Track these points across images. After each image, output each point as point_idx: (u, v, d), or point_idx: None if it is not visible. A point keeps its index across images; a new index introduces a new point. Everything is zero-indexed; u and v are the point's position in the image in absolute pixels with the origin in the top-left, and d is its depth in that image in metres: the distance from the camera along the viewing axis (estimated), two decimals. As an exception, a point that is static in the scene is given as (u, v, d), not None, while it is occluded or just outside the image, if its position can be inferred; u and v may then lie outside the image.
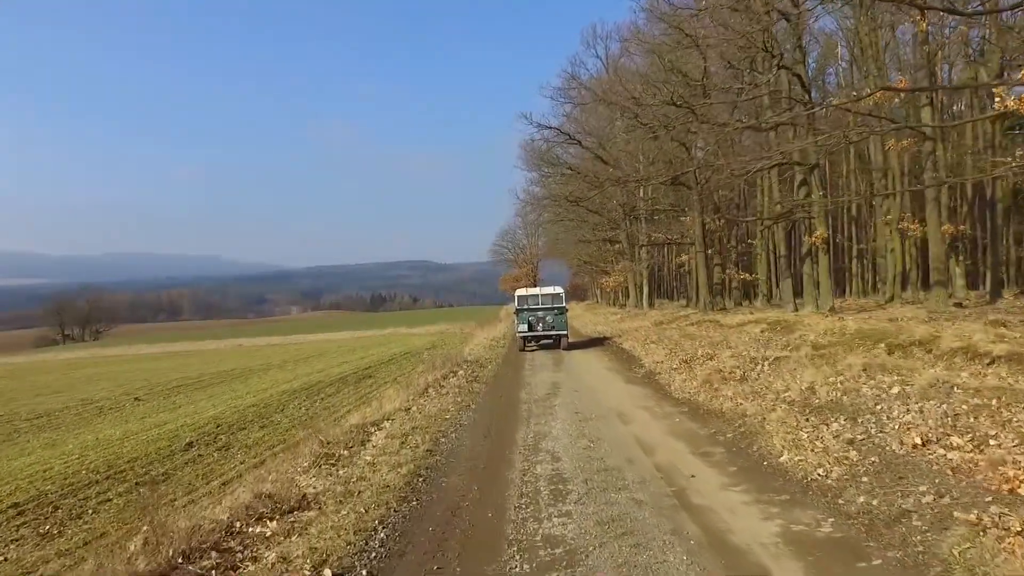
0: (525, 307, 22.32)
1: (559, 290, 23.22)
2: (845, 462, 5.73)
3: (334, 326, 71.76)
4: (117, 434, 12.72)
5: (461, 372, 14.93)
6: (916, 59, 18.35)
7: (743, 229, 39.22)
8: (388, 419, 9.35)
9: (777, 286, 32.29)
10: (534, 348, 22.62)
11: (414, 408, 10.21)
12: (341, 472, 6.37)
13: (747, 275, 29.60)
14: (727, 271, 32.74)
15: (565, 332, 21.86)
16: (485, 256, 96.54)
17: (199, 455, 10.51)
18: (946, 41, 19.44)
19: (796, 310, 22.76)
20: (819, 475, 5.58)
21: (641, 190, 35.97)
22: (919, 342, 10.79)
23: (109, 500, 8.33)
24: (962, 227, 25.84)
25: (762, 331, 18.53)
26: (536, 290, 23.24)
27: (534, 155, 41.74)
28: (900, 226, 20.10)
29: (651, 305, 41.55)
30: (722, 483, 5.84)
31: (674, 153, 28.30)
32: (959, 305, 18.57)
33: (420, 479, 6.24)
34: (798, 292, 22.60)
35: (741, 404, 8.89)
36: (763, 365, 11.46)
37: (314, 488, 5.78)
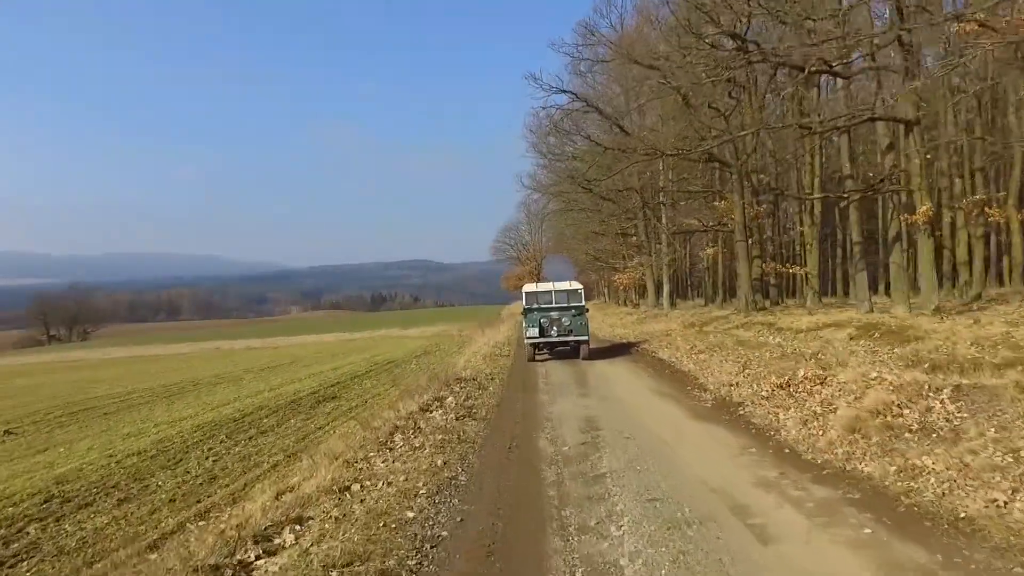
0: (535, 306, 17.88)
1: (577, 285, 18.79)
2: None
3: (327, 327, 67.35)
4: None
5: (451, 399, 10.48)
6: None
7: (778, 217, 34.80)
8: (298, 522, 4.90)
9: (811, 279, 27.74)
10: (546, 357, 18.22)
11: (356, 487, 5.74)
12: None
13: (798, 268, 25.09)
14: (765, 264, 28.17)
15: (586, 338, 17.40)
16: (486, 255, 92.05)
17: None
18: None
19: (872, 309, 18.31)
20: None
21: (661, 170, 31.54)
22: None
23: None
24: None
25: (851, 338, 14.07)
26: (548, 285, 18.78)
27: (542, 136, 37.27)
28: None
29: (672, 304, 37.08)
30: None
31: (709, 124, 23.82)
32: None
33: None
34: (872, 287, 18.13)
35: (1003, 503, 4.42)
36: (940, 400, 6.98)
37: None
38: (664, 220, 35.46)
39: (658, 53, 22.03)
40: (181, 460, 9.80)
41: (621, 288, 50.15)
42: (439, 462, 6.61)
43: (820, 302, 25.35)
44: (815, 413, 7.80)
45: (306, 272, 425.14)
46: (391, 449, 7.33)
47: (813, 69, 14.02)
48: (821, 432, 7.00)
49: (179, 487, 8.30)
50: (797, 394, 8.94)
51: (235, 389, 18.55)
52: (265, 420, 12.87)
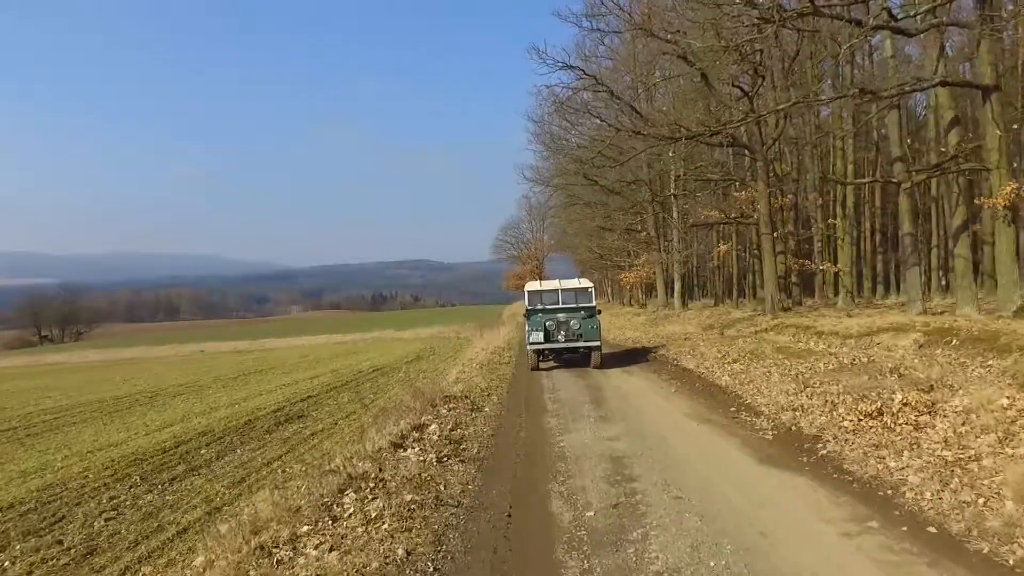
0: (539, 307, 15.65)
1: (587, 283, 16.54)
2: None
3: (321, 328, 64.93)
4: None
5: (434, 427, 8.16)
6: None
7: (797, 211, 32.48)
8: None
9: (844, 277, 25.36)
10: (552, 365, 15.97)
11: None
12: None
13: (829, 264, 22.74)
14: (789, 261, 25.86)
15: (597, 344, 15.08)
16: (488, 255, 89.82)
17: None
18: None
19: (925, 310, 16.00)
20: None
21: (672, 156, 29.26)
22: None
23: None
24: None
25: (919, 345, 11.76)
26: (555, 283, 16.51)
27: (545, 126, 35.02)
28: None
29: (683, 304, 34.77)
30: None
31: (732, 105, 21.55)
32: None
33: None
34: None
35: None
36: None
37: None
38: (676, 214, 33.19)
39: (676, 26, 19.72)
40: (64, 518, 7.37)
41: (628, 287, 47.87)
42: (400, 552, 4.28)
43: (853, 302, 23.05)
44: (946, 462, 5.46)
45: (307, 272, 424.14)
46: (335, 518, 5.01)
47: (874, 24, 11.70)
48: (980, 500, 4.65)
49: (29, 572, 5.95)
50: (899, 426, 6.61)
51: (191, 403, 16.13)
52: (203, 451, 10.41)
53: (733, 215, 23.25)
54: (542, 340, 14.86)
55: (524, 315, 16.15)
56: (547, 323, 14.97)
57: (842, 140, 22.56)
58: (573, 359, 15.85)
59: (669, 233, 35.22)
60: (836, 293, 32.90)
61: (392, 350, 30.53)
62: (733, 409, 9.29)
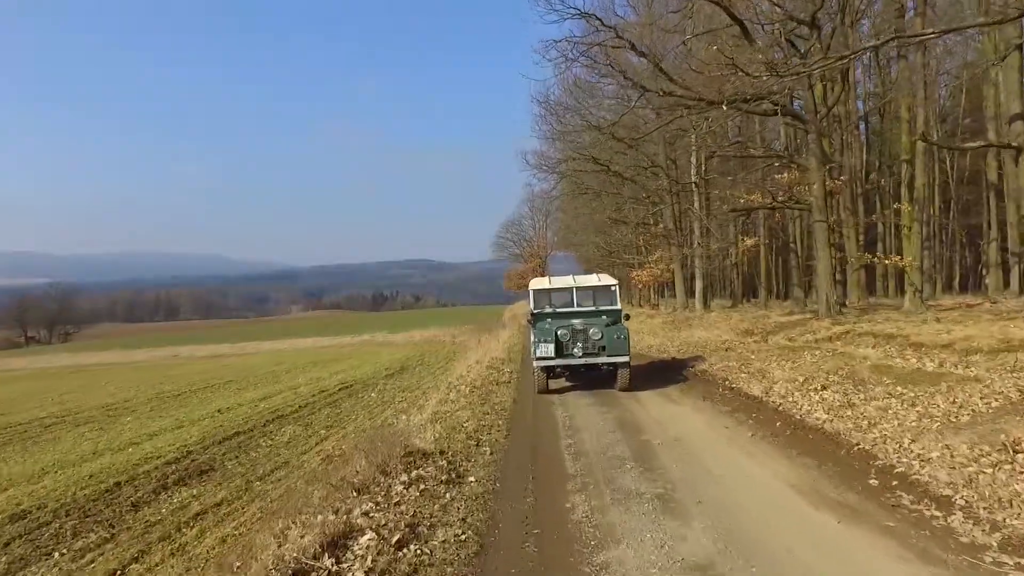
0: (548, 309, 12.08)
1: (608, 280, 12.88)
2: None
3: (312, 330, 61.34)
4: None
5: (368, 539, 4.44)
6: None
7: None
8: None
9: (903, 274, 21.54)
10: (563, 384, 12.37)
11: None
12: None
13: (897, 259, 19.02)
14: (834, 254, 22.05)
15: (626, 359, 11.37)
16: (489, 255, 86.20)
17: None
18: None
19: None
20: None
21: (696, 135, 25.64)
22: None
23: None
24: None
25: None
26: (567, 280, 12.88)
27: (551, 108, 31.31)
28: None
29: (706, 306, 31.12)
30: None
31: (784, 63, 17.82)
32: None
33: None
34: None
35: None
36: None
37: None
38: (698, 203, 29.51)
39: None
40: None
41: (641, 286, 44.19)
42: None
43: (923, 304, 19.29)
44: None
45: (309, 272, 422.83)
46: None
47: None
48: None
49: None
50: None
51: (81, 441, 12.25)
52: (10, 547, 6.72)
53: (780, 199, 19.48)
54: (553, 354, 11.18)
55: (528, 321, 12.51)
56: (559, 331, 11.30)
57: (909, 111, 18.81)
58: (593, 377, 12.22)
59: (689, 225, 31.61)
60: (873, 292, 29.27)
61: (376, 358, 26.84)
62: (875, 482, 5.61)
